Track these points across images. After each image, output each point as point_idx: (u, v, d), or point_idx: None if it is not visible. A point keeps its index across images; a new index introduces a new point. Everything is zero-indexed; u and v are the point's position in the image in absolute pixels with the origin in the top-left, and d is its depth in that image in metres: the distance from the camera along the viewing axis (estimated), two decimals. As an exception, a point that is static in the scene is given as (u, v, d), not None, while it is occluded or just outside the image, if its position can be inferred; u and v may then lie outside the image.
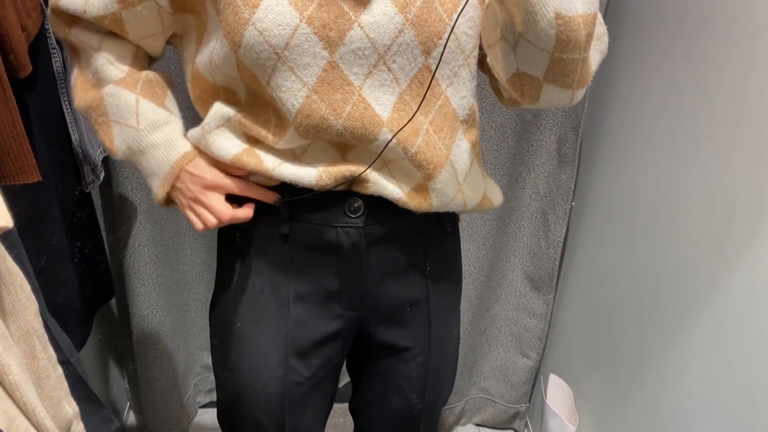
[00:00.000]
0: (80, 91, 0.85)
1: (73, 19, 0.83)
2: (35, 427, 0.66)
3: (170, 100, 0.86)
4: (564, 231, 1.54)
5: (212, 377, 1.84)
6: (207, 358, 1.81)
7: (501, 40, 0.72)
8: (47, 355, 0.80)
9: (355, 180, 0.80)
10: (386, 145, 0.77)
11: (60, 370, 0.85)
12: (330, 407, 1.00)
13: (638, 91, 1.25)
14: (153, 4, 0.79)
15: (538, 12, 0.65)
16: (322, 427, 0.99)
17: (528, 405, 1.83)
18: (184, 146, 0.83)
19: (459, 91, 0.81)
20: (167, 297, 1.55)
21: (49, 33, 1.01)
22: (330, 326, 0.88)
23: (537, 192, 1.53)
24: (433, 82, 0.77)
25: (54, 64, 1.02)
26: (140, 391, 1.67)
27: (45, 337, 0.81)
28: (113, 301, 1.66)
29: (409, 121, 0.77)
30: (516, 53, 0.71)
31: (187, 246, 1.59)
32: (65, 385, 0.86)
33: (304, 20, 0.71)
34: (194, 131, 0.84)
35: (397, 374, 0.95)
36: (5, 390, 0.61)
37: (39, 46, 0.98)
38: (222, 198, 0.82)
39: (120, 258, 1.45)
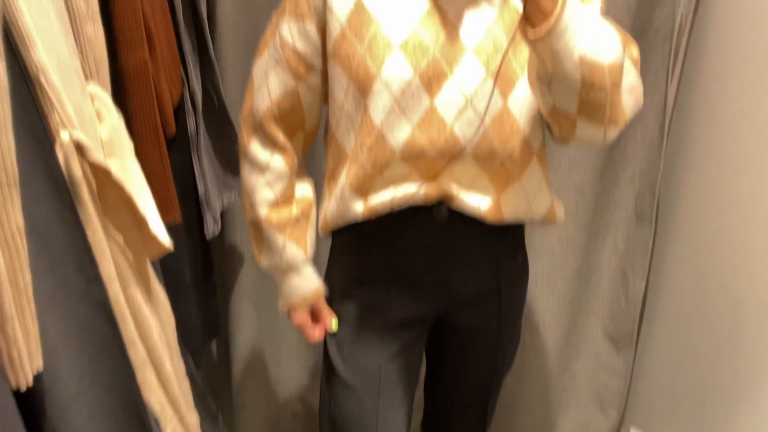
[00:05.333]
0: (246, 197, 1.09)
1: (255, 126, 1.06)
2: (179, 419, 0.78)
3: (310, 235, 1.11)
4: (643, 288, 1.58)
5: (300, 425, 1.94)
6: (296, 406, 1.91)
7: (538, 80, 0.87)
8: (180, 366, 0.93)
9: (445, 197, 1.00)
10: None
11: (188, 382, 0.97)
12: (415, 385, 1.17)
13: (714, 152, 1.31)
14: (317, 72, 1.02)
15: (564, 56, 0.79)
16: (410, 404, 1.17)
17: (610, 466, 1.81)
18: (309, 289, 1.10)
19: (531, 126, 0.99)
20: (264, 342, 1.68)
21: (185, 100, 1.19)
22: (418, 310, 1.08)
23: (616, 249, 1.58)
24: (511, 119, 0.96)
25: (189, 125, 1.20)
26: (234, 430, 1.77)
27: (179, 351, 0.94)
28: (213, 344, 1.80)
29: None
30: (551, 90, 0.86)
31: (283, 296, 1.73)
32: (191, 396, 0.99)
33: (417, 75, 0.92)
34: (331, 210, 1.06)
35: (469, 353, 1.17)
36: (160, 381, 0.74)
37: (179, 110, 1.16)
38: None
39: (225, 302, 1.59)
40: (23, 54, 0.53)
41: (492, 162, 0.98)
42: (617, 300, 1.62)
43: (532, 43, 0.80)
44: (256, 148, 1.06)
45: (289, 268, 1.08)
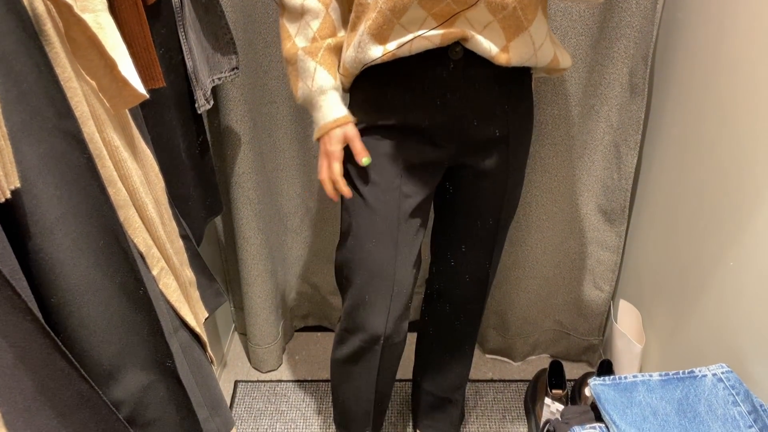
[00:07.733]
0: (284, 41, 1.20)
1: None
2: (165, 260, 0.84)
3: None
4: (635, 162, 1.59)
5: (306, 304, 2.03)
6: (302, 286, 2.00)
7: None
8: (172, 225, 0.98)
9: (461, 38, 1.09)
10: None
11: (181, 242, 1.03)
12: (425, 225, 1.28)
13: (706, 21, 1.29)
14: None
15: None
16: (419, 248, 1.26)
17: (602, 338, 1.89)
18: (337, 113, 1.16)
19: None
20: (267, 223, 1.74)
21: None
22: (433, 152, 1.19)
23: (610, 125, 1.59)
24: None
25: (173, -3, 1.21)
26: (244, 312, 1.87)
27: (170, 211, 0.99)
28: (221, 228, 1.87)
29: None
30: None
31: (284, 180, 1.77)
32: (185, 255, 1.04)
33: None
34: (350, 56, 1.15)
35: (478, 194, 1.28)
36: (144, 223, 0.79)
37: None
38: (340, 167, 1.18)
39: (226, 183, 1.64)
40: None
41: (503, 10, 1.05)
42: (610, 175, 1.64)
43: None
44: None
45: (320, 92, 1.17)
